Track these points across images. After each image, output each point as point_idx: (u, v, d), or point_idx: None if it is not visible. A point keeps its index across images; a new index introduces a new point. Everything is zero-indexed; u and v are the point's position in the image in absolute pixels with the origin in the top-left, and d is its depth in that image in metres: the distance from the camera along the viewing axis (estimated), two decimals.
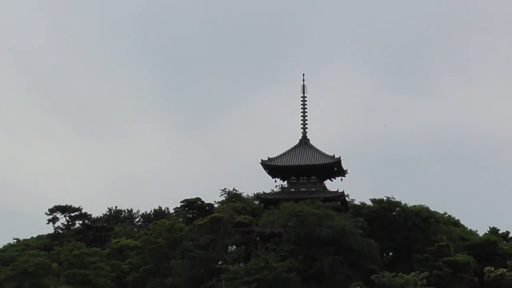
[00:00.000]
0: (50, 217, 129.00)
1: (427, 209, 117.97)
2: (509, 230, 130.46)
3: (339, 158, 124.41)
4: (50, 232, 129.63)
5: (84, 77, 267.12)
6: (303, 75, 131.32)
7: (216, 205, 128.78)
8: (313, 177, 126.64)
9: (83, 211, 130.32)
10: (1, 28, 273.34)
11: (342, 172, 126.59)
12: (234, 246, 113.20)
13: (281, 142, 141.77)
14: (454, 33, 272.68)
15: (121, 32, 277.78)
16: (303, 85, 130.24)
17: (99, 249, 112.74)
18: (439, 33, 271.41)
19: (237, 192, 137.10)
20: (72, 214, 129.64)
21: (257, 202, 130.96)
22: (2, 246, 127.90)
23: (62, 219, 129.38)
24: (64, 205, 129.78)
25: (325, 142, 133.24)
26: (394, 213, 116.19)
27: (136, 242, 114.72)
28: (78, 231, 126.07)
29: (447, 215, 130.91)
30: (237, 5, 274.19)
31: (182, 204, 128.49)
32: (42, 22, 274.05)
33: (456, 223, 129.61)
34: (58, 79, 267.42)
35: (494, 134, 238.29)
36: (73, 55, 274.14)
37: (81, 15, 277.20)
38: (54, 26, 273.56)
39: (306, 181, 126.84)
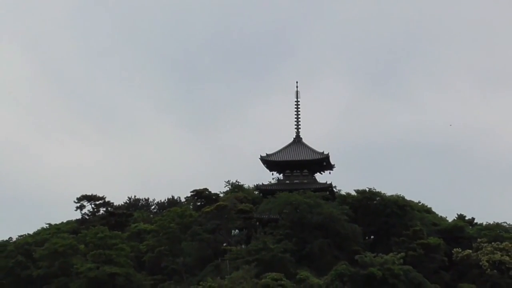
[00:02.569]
0: (78, 204, 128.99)
1: (403, 198, 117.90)
2: (474, 217, 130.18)
3: (328, 154, 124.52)
4: (77, 218, 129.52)
5: (108, 84, 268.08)
6: (297, 82, 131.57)
7: (221, 195, 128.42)
8: (305, 170, 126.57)
9: (107, 199, 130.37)
10: (36, 44, 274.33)
11: (330, 166, 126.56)
12: (236, 230, 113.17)
13: (277, 141, 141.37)
14: (426, 46, 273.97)
15: (140, 45, 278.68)
16: (297, 91, 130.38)
17: (120, 232, 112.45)
18: (413, 47, 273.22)
19: (240, 183, 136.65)
20: (97, 202, 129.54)
21: (256, 192, 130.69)
22: (36, 229, 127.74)
23: (88, 207, 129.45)
24: (90, 194, 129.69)
25: (316, 141, 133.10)
26: (375, 202, 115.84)
27: (152, 226, 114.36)
28: (102, 217, 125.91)
29: (420, 203, 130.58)
30: (239, 22, 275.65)
31: (192, 194, 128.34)
32: (69, 35, 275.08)
33: (428, 211, 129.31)
34: (85, 87, 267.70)
35: (461, 133, 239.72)
36: (98, 65, 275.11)
37: (106, 30, 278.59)
38: (79, 39, 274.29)
39: (299, 174, 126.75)
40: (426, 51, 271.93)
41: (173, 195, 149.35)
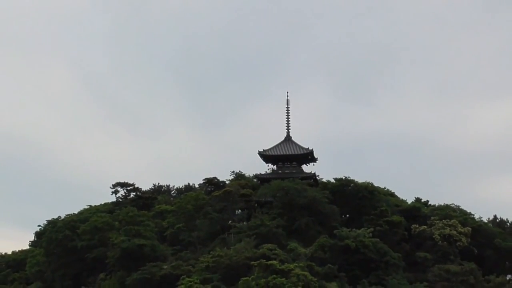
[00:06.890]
0: (113, 190, 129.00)
1: (372, 184, 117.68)
2: (428, 199, 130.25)
3: (312, 150, 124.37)
4: (113, 201, 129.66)
5: (135, 94, 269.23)
6: (287, 92, 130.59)
7: (227, 182, 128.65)
8: (294, 162, 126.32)
9: (136, 186, 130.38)
10: (78, 60, 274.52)
11: (314, 159, 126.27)
12: (239, 210, 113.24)
13: (272, 139, 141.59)
14: (389, 62, 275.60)
15: (161, 63, 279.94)
16: (287, 99, 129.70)
17: (146, 212, 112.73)
18: (380, 63, 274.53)
19: (242, 173, 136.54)
20: (128, 188, 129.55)
21: (255, 180, 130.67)
22: (80, 210, 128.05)
23: (121, 192, 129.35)
24: (123, 181, 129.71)
25: (303, 139, 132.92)
26: (349, 188, 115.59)
27: (172, 207, 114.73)
28: (132, 199, 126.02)
29: (386, 189, 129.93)
30: (240, 42, 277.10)
31: (204, 181, 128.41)
32: (104, 53, 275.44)
33: (392, 194, 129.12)
34: (117, 95, 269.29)
35: (416, 133, 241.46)
36: (128, 78, 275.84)
37: (134, 49, 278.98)
38: (113, 56, 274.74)
39: (289, 165, 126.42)
40: (391, 68, 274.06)
41: (189, 182, 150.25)
